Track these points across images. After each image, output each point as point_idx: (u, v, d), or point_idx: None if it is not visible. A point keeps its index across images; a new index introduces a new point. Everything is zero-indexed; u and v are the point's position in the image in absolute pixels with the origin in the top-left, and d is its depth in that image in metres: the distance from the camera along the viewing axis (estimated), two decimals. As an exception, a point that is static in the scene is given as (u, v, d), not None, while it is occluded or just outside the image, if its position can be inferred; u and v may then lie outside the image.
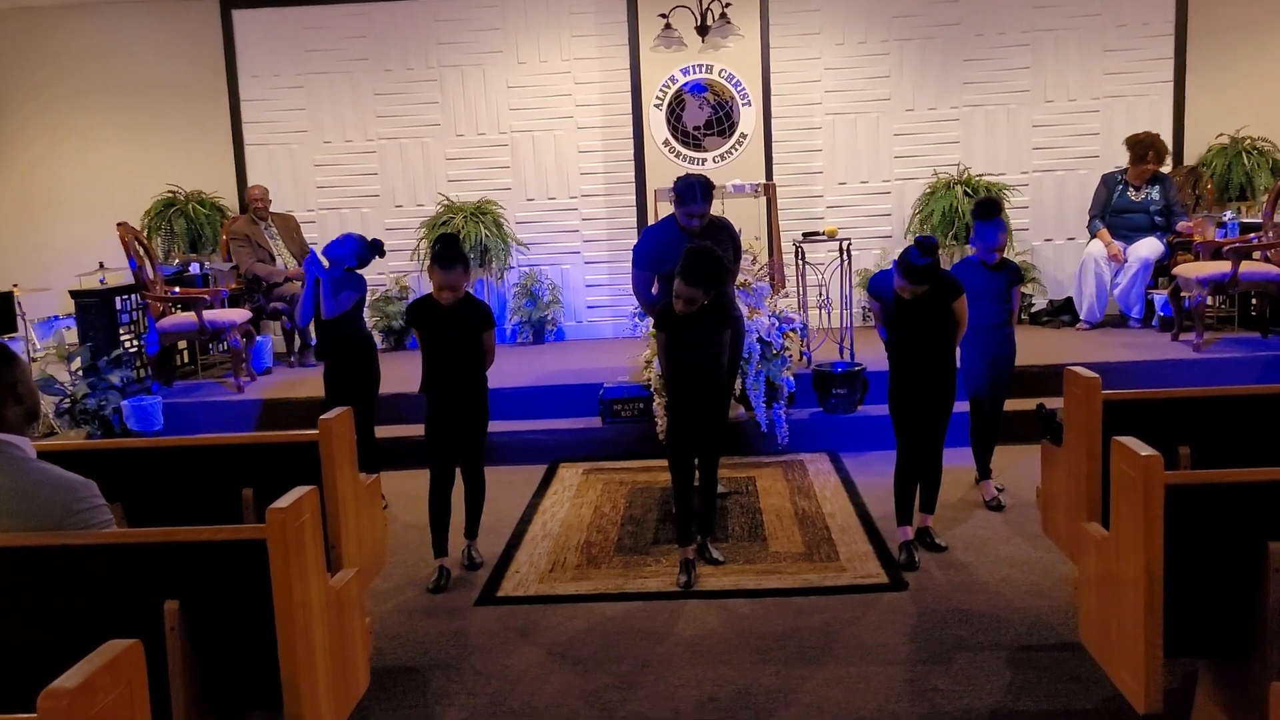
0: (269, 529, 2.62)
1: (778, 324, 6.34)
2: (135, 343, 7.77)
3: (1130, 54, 8.72)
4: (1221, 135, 8.62)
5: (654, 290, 5.22)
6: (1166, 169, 8.39)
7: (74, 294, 7.55)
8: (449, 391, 4.71)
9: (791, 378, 6.41)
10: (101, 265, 7.94)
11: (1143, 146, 7.88)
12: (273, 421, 6.94)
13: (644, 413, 6.60)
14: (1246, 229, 7.75)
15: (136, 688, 1.91)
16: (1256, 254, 7.27)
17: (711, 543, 4.88)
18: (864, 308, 8.68)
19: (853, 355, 7.10)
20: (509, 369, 7.51)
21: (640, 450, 6.54)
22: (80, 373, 7.04)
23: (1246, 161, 8.39)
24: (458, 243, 4.72)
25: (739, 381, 6.16)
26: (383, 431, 6.59)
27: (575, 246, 9.22)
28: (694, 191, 4.98)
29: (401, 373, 7.47)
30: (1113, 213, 7.99)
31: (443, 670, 3.85)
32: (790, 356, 6.52)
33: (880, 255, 8.87)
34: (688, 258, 4.37)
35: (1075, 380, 3.74)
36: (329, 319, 5.51)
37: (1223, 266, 7.05)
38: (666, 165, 8.48)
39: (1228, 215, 7.98)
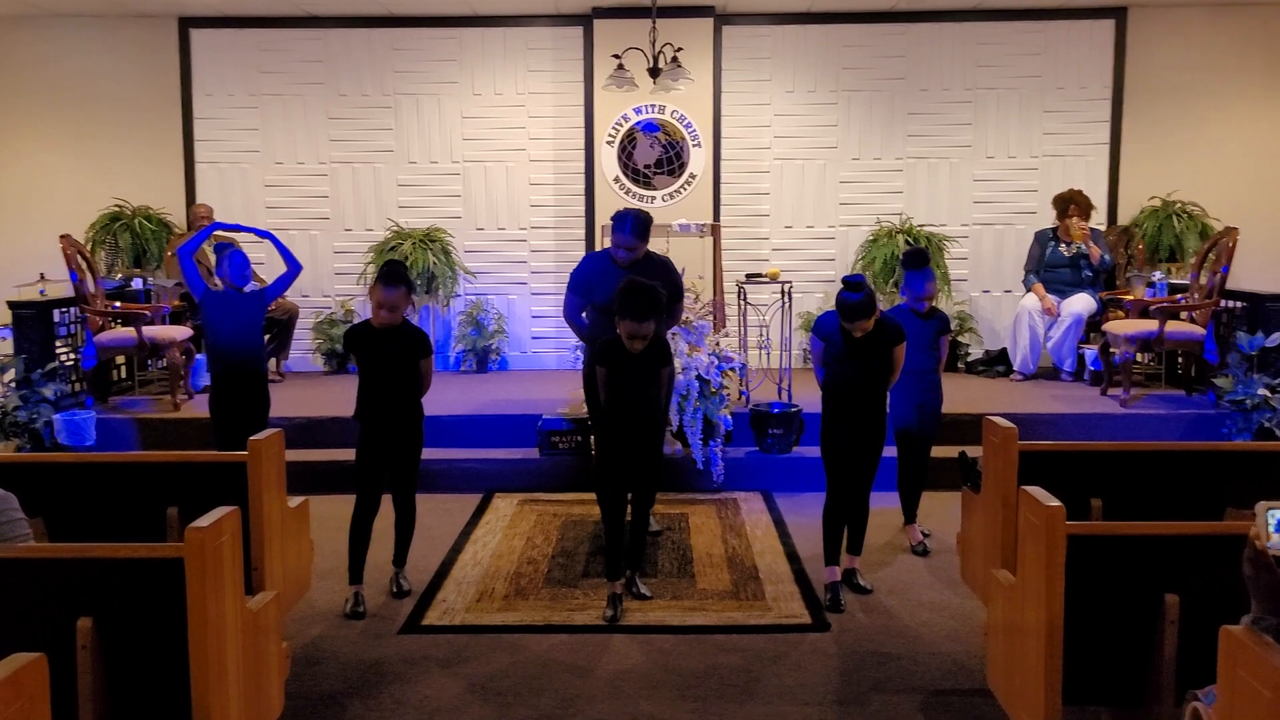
0: (187, 548, 2.63)
1: (717, 362, 6.42)
2: (72, 356, 7.68)
3: (1069, 115, 8.99)
4: (1154, 198, 8.88)
5: (584, 316, 5.26)
6: (1099, 226, 8.65)
7: (11, 305, 7.44)
8: (384, 417, 4.71)
9: (729, 416, 6.49)
10: (42, 276, 7.85)
11: (1063, 201, 8.18)
12: (209, 441, 6.87)
13: (581, 445, 6.64)
14: (1175, 289, 7.99)
15: (38, 702, 1.92)
16: (1183, 314, 7.49)
17: (640, 578, 4.91)
18: (804, 349, 8.81)
19: (790, 396, 7.20)
20: (450, 397, 7.52)
21: (576, 483, 6.57)
22: (13, 384, 6.94)
23: (1177, 224, 8.64)
24: (403, 266, 4.76)
25: (676, 418, 6.23)
26: (318, 455, 6.59)
27: (523, 277, 9.27)
28: (624, 223, 5.01)
29: (342, 397, 7.46)
30: (1046, 268, 8.20)
31: (360, 698, 3.84)
32: (729, 395, 6.60)
33: (823, 299, 9.01)
34: (624, 299, 4.42)
35: (994, 430, 3.86)
36: (230, 345, 5.42)
37: (1150, 325, 7.25)
38: (616, 202, 8.57)
39: (1157, 275, 8.21)
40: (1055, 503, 2.83)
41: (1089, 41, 8.91)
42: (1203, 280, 7.57)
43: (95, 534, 3.65)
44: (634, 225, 5.01)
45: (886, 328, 4.70)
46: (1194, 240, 8.55)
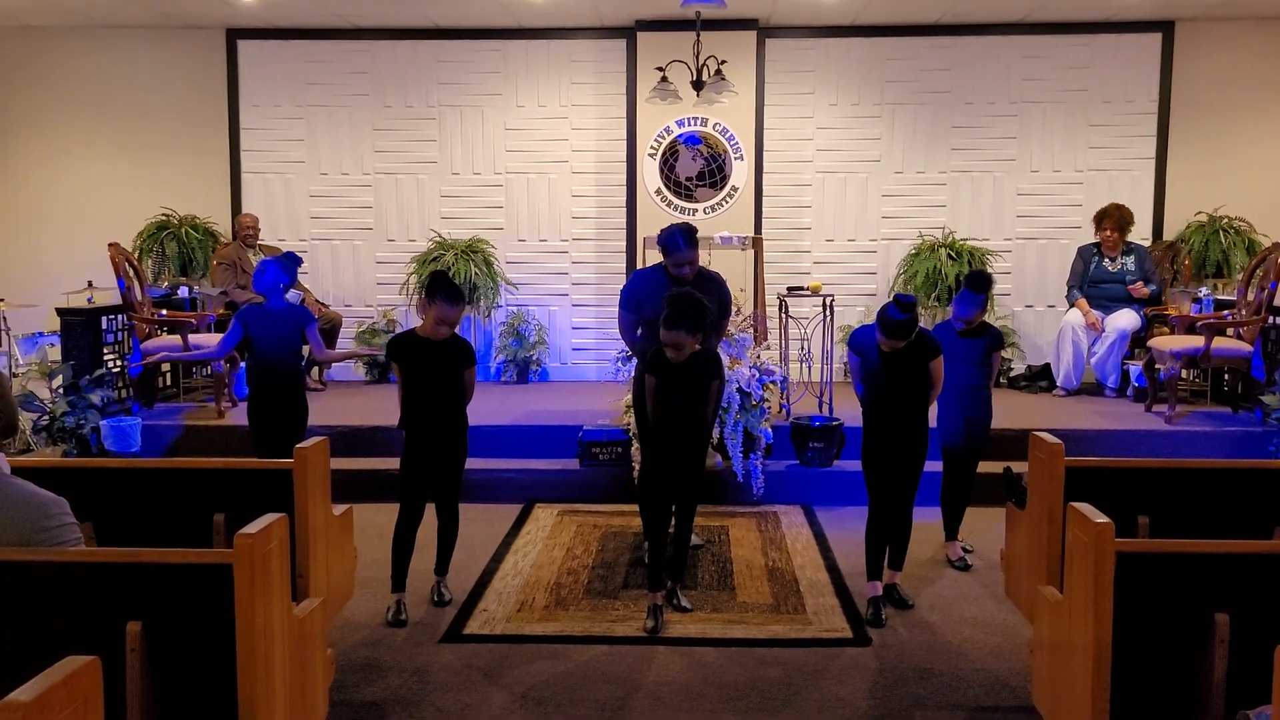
0: (236, 554, 2.66)
1: (758, 375, 6.41)
2: (118, 363, 7.80)
3: (1114, 130, 8.91)
4: (1200, 213, 8.78)
5: (638, 333, 5.27)
6: (1144, 241, 8.56)
7: (60, 311, 7.58)
8: (429, 427, 4.74)
9: (769, 429, 6.47)
10: (90, 284, 7.98)
11: (1100, 214, 8.13)
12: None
13: (622, 457, 6.64)
14: (1221, 305, 7.88)
15: (92, 704, 1.94)
16: (1229, 330, 7.39)
17: (681, 590, 4.90)
18: (844, 363, 8.76)
19: (831, 410, 7.17)
20: (491, 407, 7.55)
21: (616, 494, 6.58)
22: (61, 390, 7.06)
23: (1223, 240, 8.54)
24: (446, 279, 4.77)
25: (717, 430, 6.21)
26: (358, 464, 6.64)
27: (564, 289, 9.31)
28: (676, 240, 5.02)
29: (383, 406, 7.52)
30: (1090, 283, 8.13)
31: (403, 706, 3.86)
32: (769, 408, 6.58)
33: (864, 313, 8.96)
34: (668, 305, 4.44)
35: (1040, 445, 3.82)
36: (268, 358, 5.44)
37: (1196, 341, 7.16)
38: (658, 214, 8.60)
39: (1203, 291, 8.10)
40: (1104, 519, 2.80)
41: (1136, 55, 8.84)
42: (1250, 296, 7.47)
43: (143, 539, 3.69)
44: (686, 238, 5.02)
45: (922, 342, 4.68)
46: (1241, 256, 8.45)
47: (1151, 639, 2.88)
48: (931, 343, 4.73)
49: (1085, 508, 2.90)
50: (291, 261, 5.64)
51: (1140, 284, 7.96)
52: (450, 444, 4.78)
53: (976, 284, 5.26)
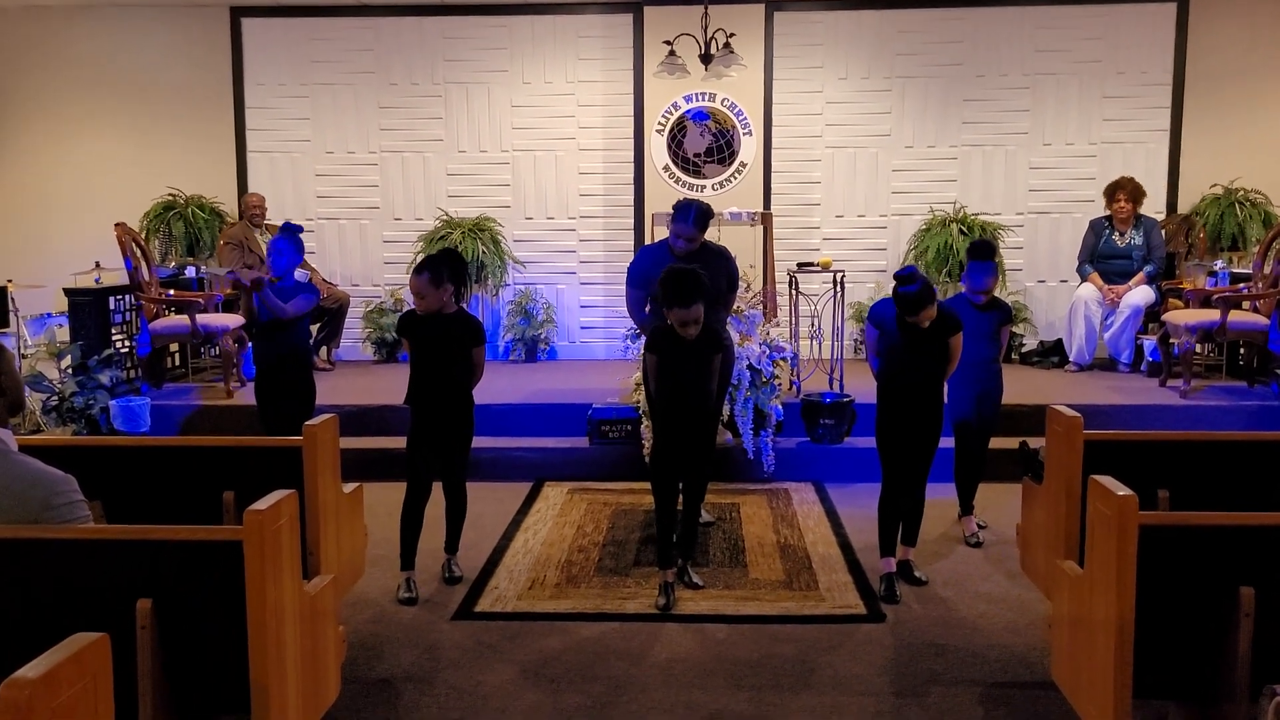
0: (246, 531, 2.63)
1: (768, 352, 6.36)
2: (127, 343, 7.77)
3: (1128, 101, 8.81)
4: (1215, 185, 8.68)
5: (646, 310, 5.23)
6: (1159, 215, 8.48)
7: (68, 292, 7.55)
8: (434, 404, 4.71)
9: (780, 406, 6.43)
10: (98, 265, 7.95)
11: (1111, 187, 8.03)
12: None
13: (631, 434, 6.61)
14: (1237, 279, 7.80)
15: (101, 681, 1.92)
16: (1245, 304, 7.32)
17: (692, 567, 4.88)
18: (855, 339, 8.72)
19: (842, 386, 7.12)
20: (500, 386, 7.52)
21: (626, 472, 6.55)
22: (70, 371, 7.04)
23: (1239, 212, 8.45)
24: (445, 255, 4.73)
25: (727, 408, 6.17)
26: (368, 443, 6.62)
27: (571, 267, 9.25)
28: (687, 212, 4.99)
29: (392, 385, 7.48)
30: (1099, 258, 8.05)
31: (415, 684, 3.84)
32: (780, 385, 6.54)
33: (875, 289, 8.90)
34: (666, 284, 4.38)
35: (1057, 419, 3.77)
36: (270, 324, 5.38)
37: (1212, 315, 7.09)
38: (666, 190, 8.53)
39: (1219, 264, 8.03)
40: (1127, 492, 2.75)
41: (1151, 25, 8.72)
42: (1266, 269, 7.40)
43: (152, 517, 3.66)
44: (696, 216, 4.98)
45: (944, 318, 4.63)
46: (1257, 229, 8.37)
47: (1175, 613, 2.84)
48: (953, 318, 4.69)
49: (1107, 480, 2.86)
50: (297, 233, 5.56)
51: (1140, 275, 7.89)
52: (453, 421, 4.74)
53: (981, 252, 5.22)
